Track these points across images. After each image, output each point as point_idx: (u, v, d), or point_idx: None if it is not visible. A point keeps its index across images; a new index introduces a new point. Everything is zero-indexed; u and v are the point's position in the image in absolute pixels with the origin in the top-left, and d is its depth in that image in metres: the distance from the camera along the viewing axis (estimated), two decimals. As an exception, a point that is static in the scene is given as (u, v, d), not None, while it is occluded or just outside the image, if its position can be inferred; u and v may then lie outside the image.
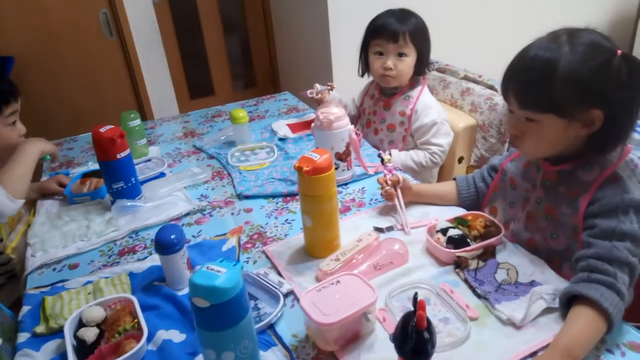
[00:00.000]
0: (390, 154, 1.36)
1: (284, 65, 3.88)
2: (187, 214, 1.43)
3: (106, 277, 1.17)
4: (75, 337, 0.97)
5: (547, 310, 0.95)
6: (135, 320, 1.00)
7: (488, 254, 1.12)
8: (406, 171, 1.68)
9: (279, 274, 1.15)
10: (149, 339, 0.97)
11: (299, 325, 0.99)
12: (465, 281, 1.06)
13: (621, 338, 0.91)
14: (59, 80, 3.17)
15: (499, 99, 1.86)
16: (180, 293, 1.11)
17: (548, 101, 0.98)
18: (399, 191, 1.32)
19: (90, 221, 1.41)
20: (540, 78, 0.98)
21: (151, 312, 1.04)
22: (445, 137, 1.80)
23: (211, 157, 1.81)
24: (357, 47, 1.85)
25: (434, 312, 0.99)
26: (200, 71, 3.79)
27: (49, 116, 3.16)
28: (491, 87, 1.94)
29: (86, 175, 1.65)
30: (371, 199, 1.44)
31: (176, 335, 0.99)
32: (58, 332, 1.01)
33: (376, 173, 1.54)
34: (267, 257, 1.22)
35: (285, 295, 1.06)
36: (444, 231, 1.17)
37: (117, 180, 1.42)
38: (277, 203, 1.46)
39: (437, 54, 2.03)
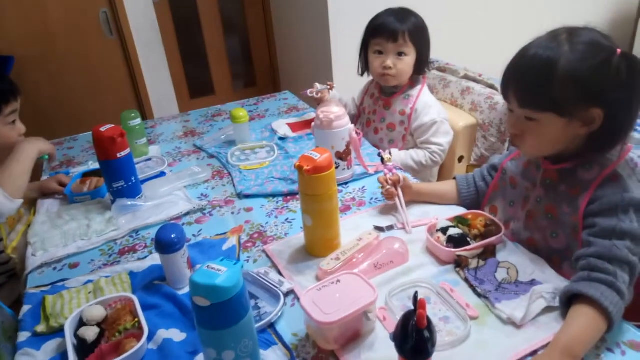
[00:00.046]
0: (390, 153, 1.36)
1: (284, 64, 3.88)
2: (188, 213, 1.44)
3: (107, 277, 1.17)
4: (76, 336, 0.97)
5: (548, 309, 0.95)
6: (136, 320, 1.00)
7: (488, 253, 1.12)
8: (406, 170, 1.68)
9: (280, 273, 1.15)
10: (150, 338, 0.97)
11: (299, 324, 0.99)
12: (466, 280, 1.06)
13: (621, 337, 0.91)
14: (59, 80, 3.17)
15: (499, 98, 1.86)
16: (180, 292, 1.11)
17: (548, 100, 0.99)
18: (399, 190, 1.32)
19: (91, 220, 1.41)
20: (540, 77, 0.98)
21: (152, 311, 1.04)
22: (445, 137, 1.80)
23: (211, 156, 1.81)
24: (357, 46, 1.85)
25: (434, 311, 0.99)
26: (200, 70, 3.79)
27: (49, 115, 3.16)
28: (491, 86, 1.94)
29: (86, 175, 1.65)
30: (371, 198, 1.44)
31: (177, 335, 0.99)
32: (58, 331, 1.02)
33: (376, 172, 1.54)
34: (268, 256, 1.22)
35: (286, 295, 1.06)
36: (444, 230, 1.17)
37: (117, 179, 1.42)
38: (277, 202, 1.46)
39: (437, 53, 2.03)
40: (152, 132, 2.08)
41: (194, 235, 1.33)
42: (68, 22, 3.07)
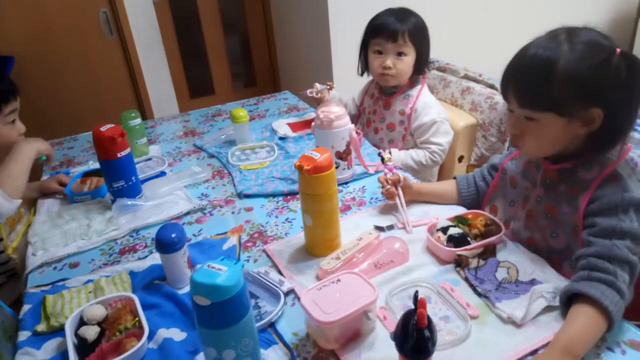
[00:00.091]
0: (390, 153, 1.36)
1: (284, 64, 3.88)
2: (188, 213, 1.44)
3: (107, 276, 1.18)
4: (76, 335, 0.97)
5: (548, 309, 0.95)
6: (136, 319, 1.00)
7: (488, 252, 1.12)
8: (406, 170, 1.68)
9: (280, 272, 1.15)
10: (150, 337, 0.97)
11: (299, 324, 0.99)
12: (466, 280, 1.06)
13: (621, 336, 0.91)
14: (59, 79, 3.17)
15: (499, 98, 1.86)
16: (180, 292, 1.11)
17: (547, 100, 0.99)
18: (399, 190, 1.32)
19: (91, 220, 1.41)
20: (539, 77, 0.98)
21: (152, 311, 1.04)
22: (445, 136, 1.80)
23: (211, 156, 1.81)
24: (357, 46, 1.85)
25: (434, 311, 0.99)
26: (200, 70, 3.79)
27: (49, 115, 3.16)
28: (491, 86, 1.94)
29: (87, 174, 1.65)
30: (371, 198, 1.44)
31: (177, 334, 0.99)
32: (59, 331, 1.02)
33: (376, 172, 1.54)
34: (268, 255, 1.22)
35: (286, 294, 1.06)
36: (444, 230, 1.17)
37: (117, 179, 1.42)
38: (277, 202, 1.46)
39: (437, 53, 2.03)
40: (152, 132, 2.08)
41: (194, 235, 1.33)
42: (68, 22, 3.07)
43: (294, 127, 1.95)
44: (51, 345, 1.00)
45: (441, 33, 2.19)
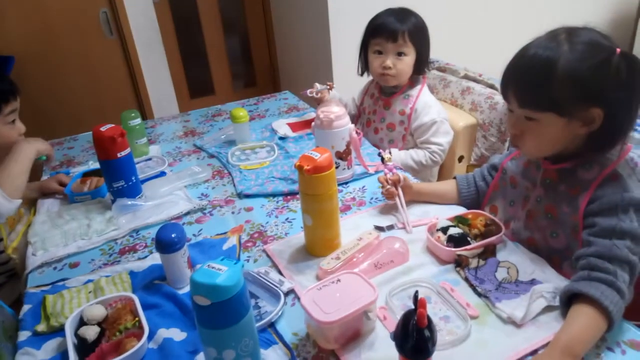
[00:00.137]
0: (390, 153, 1.36)
1: (284, 64, 3.88)
2: (188, 213, 1.44)
3: (107, 276, 1.18)
4: (76, 335, 0.97)
5: (548, 309, 0.95)
6: (136, 319, 1.00)
7: (488, 252, 1.12)
8: (406, 170, 1.68)
9: (280, 272, 1.15)
10: (150, 337, 0.97)
11: (299, 324, 0.99)
12: (466, 280, 1.06)
13: (621, 336, 0.91)
14: (59, 79, 3.17)
15: (499, 98, 1.86)
16: (180, 292, 1.11)
17: (547, 100, 0.99)
18: (400, 190, 1.32)
19: (91, 220, 1.41)
20: (539, 77, 0.98)
21: (152, 311, 1.04)
22: (445, 136, 1.80)
23: (211, 156, 1.81)
24: (357, 46, 1.85)
25: (434, 311, 0.99)
26: (200, 70, 3.79)
27: (49, 115, 3.16)
28: (491, 86, 1.94)
29: (87, 174, 1.65)
30: (371, 198, 1.44)
31: (177, 334, 0.99)
32: (59, 331, 1.02)
33: (376, 172, 1.54)
34: (268, 255, 1.22)
35: (286, 294, 1.06)
36: (444, 230, 1.17)
37: (117, 179, 1.42)
38: (277, 202, 1.46)
39: (437, 53, 2.03)
40: (152, 132, 2.08)
41: (194, 235, 1.33)
42: (68, 22, 3.07)
43: (294, 127, 1.95)
44: (51, 345, 1.00)
45: (441, 33, 2.19)
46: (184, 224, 1.39)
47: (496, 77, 1.83)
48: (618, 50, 0.95)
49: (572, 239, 1.07)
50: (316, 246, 1.19)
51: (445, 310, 0.99)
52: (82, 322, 1.00)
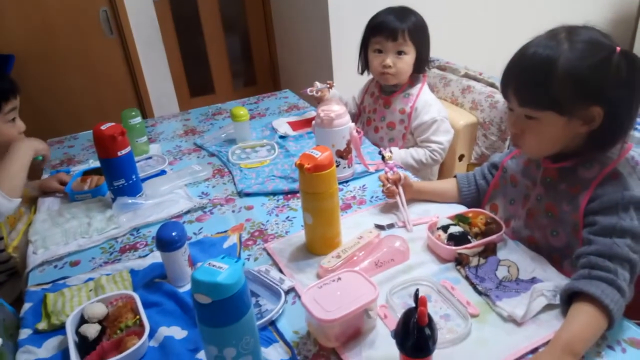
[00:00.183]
0: (390, 152, 1.36)
1: (284, 63, 3.88)
2: (188, 212, 1.44)
3: (107, 274, 1.18)
4: (77, 333, 0.97)
5: (548, 307, 0.96)
6: (137, 317, 1.00)
7: (489, 251, 1.12)
8: (406, 169, 1.68)
9: (280, 271, 1.15)
10: (151, 335, 0.97)
11: (300, 322, 0.99)
12: (466, 278, 1.06)
13: (622, 334, 0.91)
14: (60, 78, 3.17)
15: (499, 96, 1.86)
16: (181, 290, 1.11)
17: (548, 99, 0.99)
18: (400, 188, 1.32)
19: (92, 218, 1.41)
20: (539, 76, 0.98)
21: (152, 309, 1.05)
22: (445, 135, 1.80)
23: (212, 154, 1.81)
24: (358, 44, 1.85)
25: (435, 309, 0.99)
26: (200, 69, 3.79)
27: (49, 114, 3.16)
28: (492, 85, 1.94)
29: (87, 173, 1.65)
30: (372, 197, 1.44)
31: (178, 332, 0.99)
32: (60, 329, 1.02)
33: (377, 171, 1.54)
34: (268, 254, 1.22)
35: (287, 292, 1.06)
36: (444, 228, 1.17)
37: (118, 177, 1.42)
38: (278, 200, 1.46)
39: (438, 51, 2.03)
40: (153, 131, 2.08)
41: (194, 234, 1.33)
42: (68, 21, 3.07)
43: (294, 125, 1.95)
44: (52, 343, 1.00)
45: (441, 32, 2.19)
46: (184, 222, 1.39)
47: (496, 76, 1.83)
48: (618, 48, 0.95)
49: (573, 237, 1.07)
50: (317, 244, 1.20)
51: (446, 309, 0.99)
52: (83, 320, 1.00)
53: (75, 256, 1.29)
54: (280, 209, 1.42)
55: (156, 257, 1.22)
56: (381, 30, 1.72)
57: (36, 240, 1.34)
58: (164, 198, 1.48)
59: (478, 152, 1.98)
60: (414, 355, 0.78)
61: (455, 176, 1.40)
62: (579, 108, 0.98)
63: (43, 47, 3.06)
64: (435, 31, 1.83)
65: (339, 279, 0.97)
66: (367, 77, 1.97)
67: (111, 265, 1.23)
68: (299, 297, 1.03)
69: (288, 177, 1.56)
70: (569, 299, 0.93)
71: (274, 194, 1.50)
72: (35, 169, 1.57)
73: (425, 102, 1.81)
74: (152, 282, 1.14)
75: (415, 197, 1.36)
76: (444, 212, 1.27)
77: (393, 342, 0.79)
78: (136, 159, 1.55)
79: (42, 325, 1.03)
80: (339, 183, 1.44)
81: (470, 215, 1.22)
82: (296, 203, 1.43)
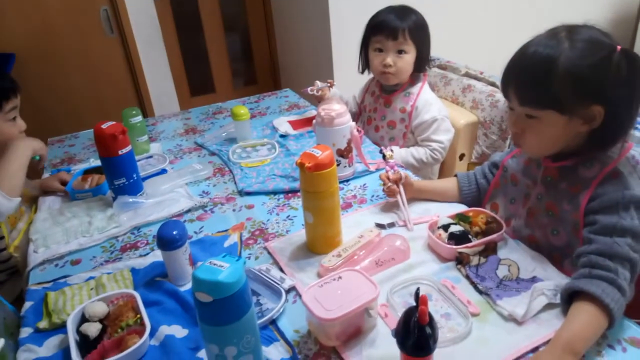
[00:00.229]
0: (391, 150, 1.36)
1: (284, 62, 3.87)
2: (189, 211, 1.44)
3: (108, 273, 1.18)
4: (78, 332, 0.98)
5: (549, 306, 0.96)
6: (138, 316, 1.00)
7: (489, 250, 1.12)
8: (407, 168, 1.68)
9: (281, 270, 1.15)
10: (152, 334, 0.97)
11: (301, 321, 0.99)
12: (467, 277, 1.06)
13: (622, 334, 0.91)
14: (60, 77, 3.17)
15: (500, 95, 1.86)
16: (182, 289, 1.11)
17: (548, 98, 0.99)
18: (401, 188, 1.32)
19: (92, 217, 1.41)
20: (540, 75, 0.98)
21: (153, 308, 1.05)
22: (445, 134, 1.80)
23: (212, 153, 1.81)
24: (358, 43, 1.85)
25: (435, 308, 0.99)
26: (200, 68, 3.79)
27: (50, 113, 3.16)
28: (492, 84, 1.94)
29: (88, 172, 1.65)
30: (372, 196, 1.44)
31: (178, 331, 0.99)
32: (61, 328, 1.02)
33: (377, 170, 1.54)
34: (269, 253, 1.22)
35: (287, 291, 1.07)
36: (445, 227, 1.17)
37: (118, 176, 1.42)
38: (278, 199, 1.46)
39: (438, 50, 2.03)
40: (153, 130, 2.08)
41: (195, 233, 1.34)
42: (69, 20, 3.06)
43: (294, 124, 1.95)
44: (53, 342, 1.00)
45: (442, 31, 2.18)
46: (185, 221, 1.39)
47: (497, 75, 1.82)
48: (618, 47, 0.95)
49: (573, 236, 1.07)
50: (317, 243, 1.20)
51: (447, 308, 0.99)
52: (83, 319, 1.00)
53: (76, 255, 1.29)
54: (281, 208, 1.42)
55: (157, 255, 1.22)
56: (382, 29, 1.72)
57: (37, 239, 1.34)
58: (165, 197, 1.48)
59: (479, 151, 1.98)
60: (415, 354, 0.78)
61: (455, 175, 1.40)
62: (579, 107, 0.98)
63: (43, 46, 3.05)
64: (436, 30, 1.83)
65: (340, 277, 0.97)
66: (367, 76, 1.97)
67: (112, 264, 1.23)
68: (300, 296, 1.03)
69: (289, 176, 1.56)
70: (569, 298, 0.93)
71: (274, 193, 1.50)
72: (34, 169, 1.57)
73: (426, 101, 1.81)
74: (153, 280, 1.14)
75: (416, 196, 1.37)
76: (445, 211, 1.27)
77: (394, 341, 0.79)
78: (137, 157, 1.55)
79: (43, 324, 1.03)
80: (340, 182, 1.43)
81: (470, 214, 1.22)
82: (297, 202, 1.44)
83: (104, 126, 1.37)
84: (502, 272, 1.07)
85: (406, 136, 1.85)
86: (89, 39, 3.16)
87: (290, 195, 1.48)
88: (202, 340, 0.86)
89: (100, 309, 1.01)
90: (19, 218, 1.53)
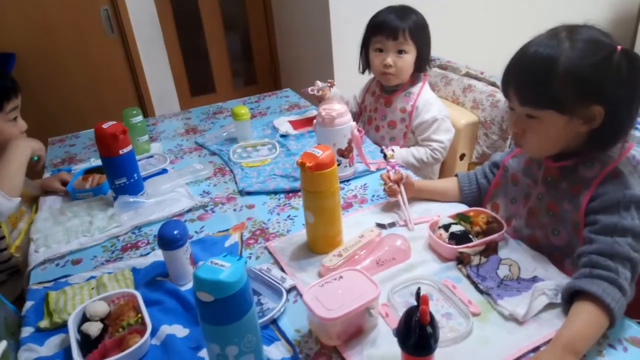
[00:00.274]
0: (392, 150, 1.36)
1: (284, 62, 3.87)
2: (190, 210, 1.44)
3: (109, 273, 1.18)
4: (79, 331, 0.98)
5: (549, 306, 0.96)
6: (139, 315, 1.01)
7: (490, 250, 1.13)
8: (407, 168, 1.68)
9: (282, 269, 1.15)
10: (153, 333, 0.97)
11: (302, 321, 0.99)
12: (468, 277, 1.06)
13: (623, 333, 0.91)
14: (61, 77, 3.17)
15: (500, 95, 1.86)
16: (183, 288, 1.11)
17: (548, 98, 0.99)
18: (402, 187, 1.32)
19: (93, 217, 1.41)
20: (540, 75, 0.99)
21: (154, 307, 1.05)
22: (446, 134, 1.80)
23: (213, 153, 1.81)
24: (359, 43, 1.85)
25: (436, 308, 0.99)
26: (201, 68, 3.78)
27: (51, 113, 3.15)
28: (493, 84, 1.94)
29: (89, 172, 1.65)
30: (373, 195, 1.44)
31: (179, 330, 1.00)
32: (62, 327, 1.02)
33: (378, 169, 1.54)
34: (270, 252, 1.22)
35: (288, 291, 1.07)
36: (446, 227, 1.17)
37: (119, 176, 1.42)
38: (279, 199, 1.46)
39: (439, 50, 2.03)
40: (154, 130, 2.08)
41: (196, 232, 1.34)
42: (69, 20, 3.06)
43: (295, 124, 1.95)
44: (54, 341, 1.00)
45: (442, 31, 2.18)
46: (185, 221, 1.39)
47: (498, 75, 1.82)
48: (619, 47, 0.95)
49: (574, 236, 1.07)
50: (318, 243, 1.20)
51: (447, 308, 0.99)
52: (84, 319, 1.00)
53: (76, 254, 1.29)
54: (282, 207, 1.42)
55: (158, 255, 1.22)
56: (382, 29, 1.73)
57: (38, 238, 1.34)
58: (166, 197, 1.48)
59: (479, 151, 1.98)
60: (416, 353, 0.78)
61: (456, 175, 1.40)
62: (579, 107, 0.98)
63: (44, 46, 3.05)
64: (436, 30, 1.83)
65: (341, 277, 0.97)
66: (368, 76, 1.97)
67: (113, 264, 1.23)
68: (301, 295, 1.03)
69: (289, 176, 1.56)
70: (570, 297, 0.93)
71: (275, 192, 1.50)
72: (32, 169, 1.57)
73: (426, 101, 1.81)
74: (153, 280, 1.14)
75: (417, 196, 1.37)
76: (445, 211, 1.27)
77: (395, 340, 0.80)
78: (137, 157, 1.55)
79: (44, 323, 1.03)
80: (340, 182, 1.43)
81: (471, 214, 1.22)
82: (297, 202, 1.44)
83: (104, 126, 1.37)
84: (502, 271, 1.07)
85: (407, 136, 1.85)
86: (90, 39, 3.16)
87: (291, 195, 1.48)
88: (203, 340, 0.86)
89: (101, 308, 1.01)
90: (20, 218, 1.53)
